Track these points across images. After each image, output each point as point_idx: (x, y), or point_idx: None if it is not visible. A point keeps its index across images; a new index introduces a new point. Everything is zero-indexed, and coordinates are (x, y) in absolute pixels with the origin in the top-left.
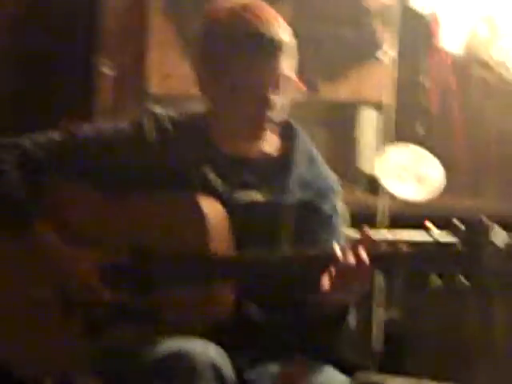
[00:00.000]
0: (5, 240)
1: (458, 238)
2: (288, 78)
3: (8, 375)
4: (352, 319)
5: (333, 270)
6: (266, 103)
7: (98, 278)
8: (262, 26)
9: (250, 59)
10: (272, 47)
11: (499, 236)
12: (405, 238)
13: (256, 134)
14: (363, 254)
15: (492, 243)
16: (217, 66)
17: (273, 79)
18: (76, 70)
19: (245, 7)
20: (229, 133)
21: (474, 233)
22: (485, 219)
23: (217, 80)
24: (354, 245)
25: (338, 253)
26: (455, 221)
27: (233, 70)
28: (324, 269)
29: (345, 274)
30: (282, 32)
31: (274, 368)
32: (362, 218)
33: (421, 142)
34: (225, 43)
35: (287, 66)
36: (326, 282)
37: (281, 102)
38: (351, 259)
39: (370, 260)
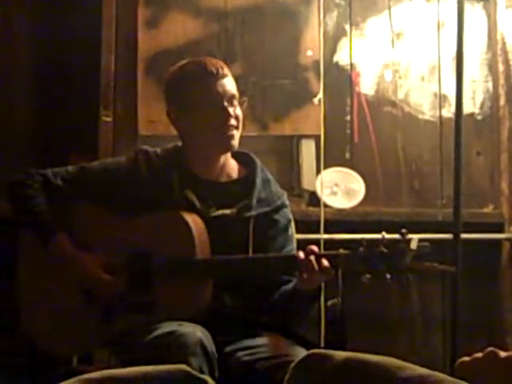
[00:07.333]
0: (36, 246)
1: (384, 243)
2: (235, 96)
3: (43, 353)
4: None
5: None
6: (227, 113)
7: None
8: (207, 62)
9: (202, 84)
10: (215, 73)
11: (413, 241)
12: (337, 239)
13: (225, 144)
14: (324, 262)
15: (408, 246)
16: (180, 103)
17: (225, 94)
18: (84, 118)
19: (195, 60)
20: (202, 159)
21: (396, 240)
22: (404, 230)
23: (183, 114)
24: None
25: (301, 256)
26: (383, 233)
27: (192, 99)
28: (284, 269)
29: (309, 272)
30: (222, 67)
31: (247, 342)
32: (306, 224)
33: (347, 164)
34: (182, 82)
35: (232, 86)
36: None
37: (239, 115)
38: (314, 262)
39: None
